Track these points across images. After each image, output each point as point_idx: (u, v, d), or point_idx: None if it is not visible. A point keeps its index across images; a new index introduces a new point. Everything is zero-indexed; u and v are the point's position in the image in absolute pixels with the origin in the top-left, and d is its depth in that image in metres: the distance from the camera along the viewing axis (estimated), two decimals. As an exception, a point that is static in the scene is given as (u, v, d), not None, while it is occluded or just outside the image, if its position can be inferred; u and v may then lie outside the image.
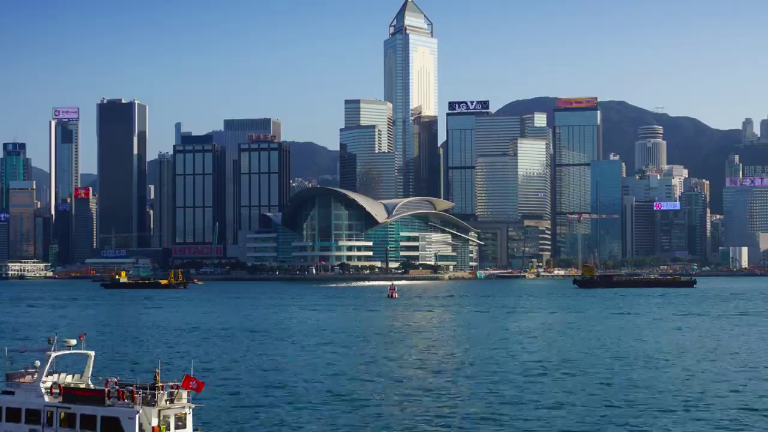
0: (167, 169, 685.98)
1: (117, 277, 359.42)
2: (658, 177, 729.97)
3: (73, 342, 42.34)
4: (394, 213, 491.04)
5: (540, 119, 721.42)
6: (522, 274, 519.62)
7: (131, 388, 39.25)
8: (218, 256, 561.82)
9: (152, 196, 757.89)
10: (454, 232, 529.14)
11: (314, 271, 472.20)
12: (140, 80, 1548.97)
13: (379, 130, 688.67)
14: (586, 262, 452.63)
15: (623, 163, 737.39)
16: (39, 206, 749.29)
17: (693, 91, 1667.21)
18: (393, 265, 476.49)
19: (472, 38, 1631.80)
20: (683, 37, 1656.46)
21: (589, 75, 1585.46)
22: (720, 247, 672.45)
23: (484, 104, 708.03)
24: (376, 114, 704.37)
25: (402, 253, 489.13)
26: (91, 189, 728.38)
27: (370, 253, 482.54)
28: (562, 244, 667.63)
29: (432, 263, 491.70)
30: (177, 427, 38.44)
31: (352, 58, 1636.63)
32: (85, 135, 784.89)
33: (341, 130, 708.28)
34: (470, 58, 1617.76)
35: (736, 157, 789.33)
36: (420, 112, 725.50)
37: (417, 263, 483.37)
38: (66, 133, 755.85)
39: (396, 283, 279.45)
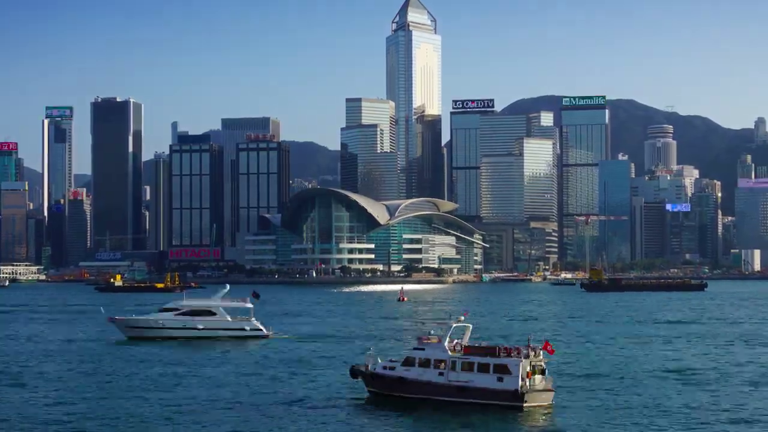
0: (163, 169, 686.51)
1: (112, 280, 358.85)
2: (668, 177, 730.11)
3: (463, 318, 64.65)
4: (396, 214, 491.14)
5: (546, 118, 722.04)
6: (528, 277, 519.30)
7: (516, 346, 61.93)
8: (216, 259, 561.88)
9: (148, 197, 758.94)
10: (459, 234, 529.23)
11: (314, 274, 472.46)
12: (135, 78, 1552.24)
13: (381, 130, 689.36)
14: (594, 265, 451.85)
15: (632, 164, 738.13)
16: (31, 207, 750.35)
17: (704, 89, 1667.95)
18: (395, 268, 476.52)
19: (477, 35, 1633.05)
20: (694, 35, 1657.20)
21: (597, 73, 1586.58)
22: (731, 250, 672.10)
23: (489, 103, 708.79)
24: (378, 113, 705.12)
25: (405, 256, 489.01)
26: (84, 190, 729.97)
27: (372, 256, 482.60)
28: (569, 247, 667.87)
29: (435, 266, 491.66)
30: (539, 373, 59.90)
31: (354, 55, 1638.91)
32: (79, 135, 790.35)
33: (342, 129, 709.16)
34: (475, 56, 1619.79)
35: (748, 157, 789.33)
36: (423, 111, 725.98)
37: (420, 266, 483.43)
38: (59, 133, 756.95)
39: (399, 287, 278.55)
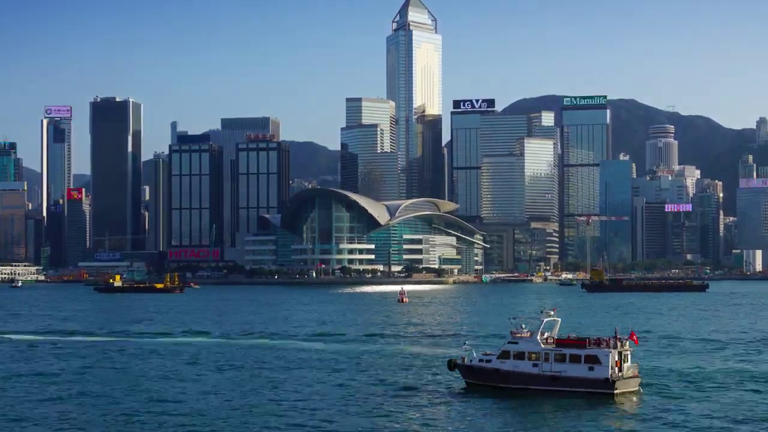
0: (163, 169, 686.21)
1: (111, 281, 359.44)
2: (670, 178, 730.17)
3: (552, 313, 70.96)
4: (396, 215, 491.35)
5: (547, 118, 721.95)
6: (529, 277, 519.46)
7: (605, 338, 68.51)
8: (215, 260, 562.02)
9: (147, 198, 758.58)
10: (459, 235, 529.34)
11: (314, 275, 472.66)
12: (135, 78, 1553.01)
13: (381, 130, 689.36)
14: (595, 265, 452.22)
15: (633, 164, 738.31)
16: (30, 207, 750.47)
17: (705, 89, 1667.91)
18: (396, 268, 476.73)
19: (478, 34, 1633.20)
20: (695, 34, 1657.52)
21: (599, 72, 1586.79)
22: (733, 250, 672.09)
23: (490, 102, 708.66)
24: (378, 113, 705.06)
25: (405, 256, 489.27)
26: (84, 190, 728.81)
27: (372, 257, 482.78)
28: (570, 247, 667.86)
29: (436, 267, 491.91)
30: (626, 361, 66.56)
31: (354, 54, 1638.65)
32: (78, 134, 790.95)
33: (342, 129, 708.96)
34: (475, 55, 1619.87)
35: (750, 157, 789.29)
36: (423, 111, 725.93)
37: (420, 267, 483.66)
38: (58, 133, 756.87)
39: (400, 287, 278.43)
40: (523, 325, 72.03)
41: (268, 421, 59.16)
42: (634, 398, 65.17)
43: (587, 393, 64.40)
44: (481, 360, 70.39)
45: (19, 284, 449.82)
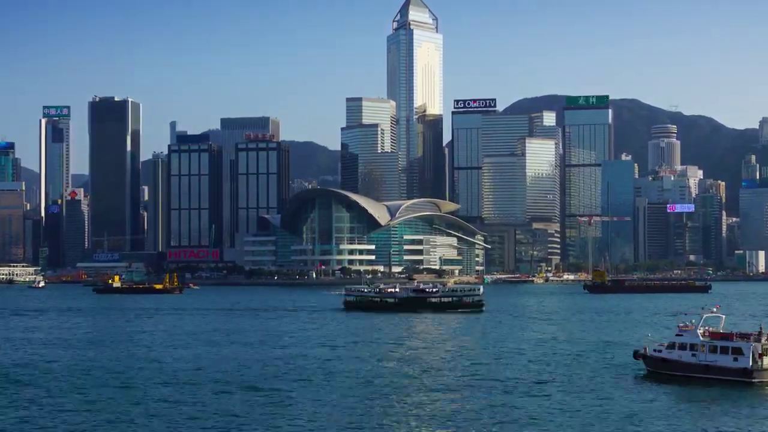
0: (162, 169, 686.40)
1: (110, 281, 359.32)
2: (672, 178, 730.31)
3: (715, 310, 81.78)
4: (397, 215, 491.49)
5: (549, 118, 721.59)
6: (530, 278, 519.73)
7: (750, 332, 77.75)
8: (214, 260, 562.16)
9: (146, 198, 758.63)
10: (460, 235, 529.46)
11: (314, 276, 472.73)
12: (133, 77, 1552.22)
13: (381, 129, 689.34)
14: (597, 266, 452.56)
15: (635, 164, 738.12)
16: (28, 208, 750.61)
17: (708, 88, 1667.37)
18: (396, 269, 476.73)
19: (479, 34, 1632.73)
20: (697, 34, 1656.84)
21: (600, 72, 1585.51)
22: (736, 251, 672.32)
23: (491, 102, 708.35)
24: (379, 112, 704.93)
25: (405, 257, 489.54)
26: (82, 190, 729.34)
27: (373, 257, 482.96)
28: (571, 248, 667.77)
29: (437, 267, 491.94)
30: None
31: (354, 54, 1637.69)
32: (77, 134, 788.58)
33: (342, 129, 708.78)
34: (476, 55, 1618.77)
35: (753, 157, 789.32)
36: (424, 111, 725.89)
37: (421, 267, 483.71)
38: (56, 132, 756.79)
39: None
40: (690, 321, 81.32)
41: None
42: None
43: (730, 381, 73.30)
44: (655, 350, 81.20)
45: (41, 284, 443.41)
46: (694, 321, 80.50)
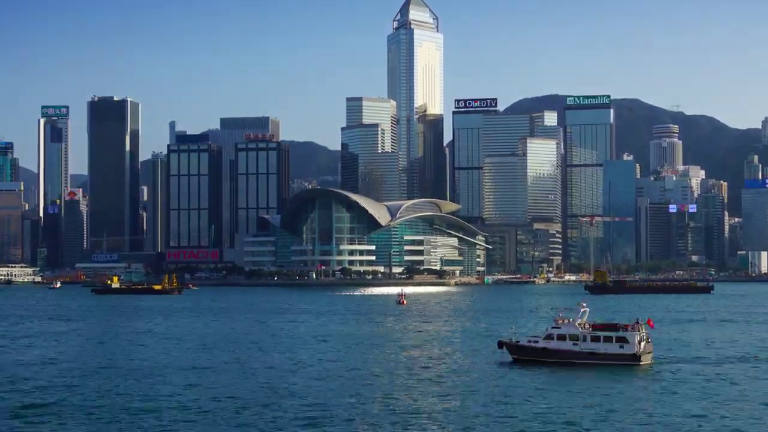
0: (161, 169, 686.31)
1: (108, 282, 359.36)
2: (674, 178, 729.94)
3: (585, 305, 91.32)
4: (397, 215, 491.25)
5: (550, 118, 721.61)
6: (531, 279, 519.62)
7: (630, 323, 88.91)
8: (214, 261, 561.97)
9: (145, 198, 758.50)
10: (461, 236, 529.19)
11: (314, 276, 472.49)
12: (133, 77, 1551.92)
13: (382, 129, 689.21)
14: (599, 266, 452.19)
15: (637, 164, 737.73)
16: (27, 208, 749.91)
17: (710, 88, 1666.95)
18: (396, 270, 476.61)
19: (480, 33, 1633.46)
20: (699, 33, 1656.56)
21: (602, 72, 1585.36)
22: (738, 252, 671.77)
23: (492, 102, 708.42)
24: (379, 112, 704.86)
25: (406, 258, 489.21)
26: (81, 190, 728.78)
27: (373, 258, 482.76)
28: (573, 248, 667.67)
29: (437, 268, 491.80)
30: (647, 342, 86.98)
31: (354, 54, 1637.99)
32: (75, 134, 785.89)
33: (342, 129, 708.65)
34: (477, 54, 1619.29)
35: (755, 157, 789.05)
36: (425, 111, 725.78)
37: (422, 268, 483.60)
38: (55, 132, 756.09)
39: (404, 289, 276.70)
40: (562, 314, 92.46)
41: None
42: (652, 367, 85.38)
43: (618, 365, 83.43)
44: (529, 341, 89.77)
45: (58, 285, 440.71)
46: (563, 315, 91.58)
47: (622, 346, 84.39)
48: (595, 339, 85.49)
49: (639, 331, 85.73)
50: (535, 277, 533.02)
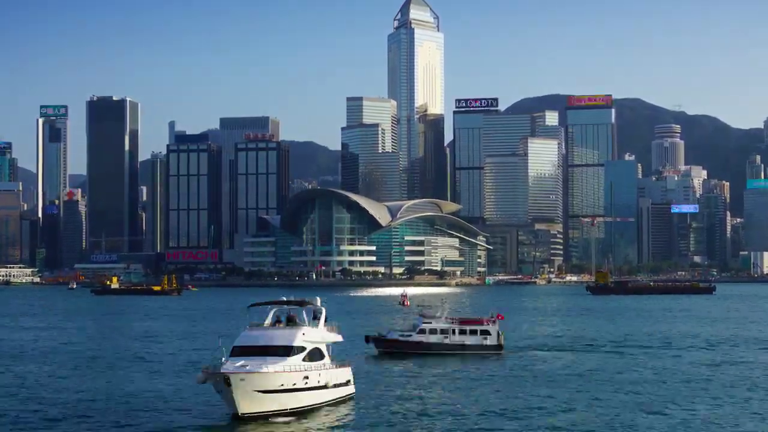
0: (160, 169, 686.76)
1: (108, 282, 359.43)
2: (676, 178, 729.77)
3: (447, 303, 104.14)
4: (398, 216, 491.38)
5: (551, 118, 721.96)
6: (533, 280, 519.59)
7: (488, 318, 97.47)
8: (213, 261, 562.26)
9: (144, 198, 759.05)
10: (462, 236, 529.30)
11: (314, 277, 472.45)
12: (132, 77, 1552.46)
13: (382, 129, 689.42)
14: (600, 267, 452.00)
15: (639, 164, 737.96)
16: (25, 208, 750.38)
17: (712, 88, 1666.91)
18: (397, 270, 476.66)
19: (480, 33, 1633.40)
20: (701, 32, 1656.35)
21: (603, 71, 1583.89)
22: (740, 252, 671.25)
23: (493, 102, 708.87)
24: (380, 112, 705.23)
25: (406, 258, 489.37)
26: (80, 190, 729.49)
27: (373, 258, 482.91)
28: (574, 249, 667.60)
29: (438, 269, 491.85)
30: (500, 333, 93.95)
31: (354, 53, 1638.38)
32: (74, 134, 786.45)
33: (343, 128, 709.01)
34: (478, 54, 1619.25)
35: (758, 157, 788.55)
36: (425, 110, 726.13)
37: (422, 269, 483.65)
38: (54, 132, 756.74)
39: (402, 290, 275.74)
40: (429, 311, 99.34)
41: None
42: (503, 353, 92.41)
43: (483, 355, 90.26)
44: (401, 334, 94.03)
45: (74, 285, 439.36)
46: (430, 311, 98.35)
47: (485, 338, 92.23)
48: (463, 332, 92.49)
49: (496, 324, 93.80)
50: (537, 277, 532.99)
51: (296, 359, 56.21)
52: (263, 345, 56.88)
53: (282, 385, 54.34)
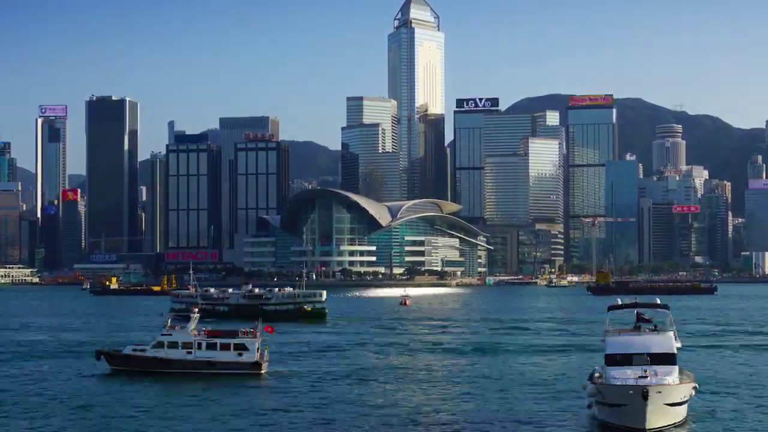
0: (160, 169, 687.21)
1: (107, 283, 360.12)
2: (677, 178, 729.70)
3: (197, 311, 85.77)
4: (398, 216, 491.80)
5: (552, 117, 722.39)
6: (533, 280, 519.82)
7: (249, 330, 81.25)
8: (213, 262, 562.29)
9: (144, 198, 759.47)
10: (462, 236, 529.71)
11: (314, 277, 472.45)
12: (131, 76, 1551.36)
13: (382, 129, 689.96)
14: (601, 267, 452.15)
15: (640, 164, 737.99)
16: (24, 208, 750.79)
17: (713, 87, 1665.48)
18: (397, 271, 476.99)
19: (481, 32, 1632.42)
20: (703, 32, 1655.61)
21: (604, 71, 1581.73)
22: (742, 252, 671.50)
23: (494, 102, 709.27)
24: (380, 112, 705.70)
25: (407, 258, 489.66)
26: (79, 190, 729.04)
27: (373, 258, 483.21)
28: (575, 249, 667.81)
29: (438, 269, 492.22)
30: (264, 349, 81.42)
31: (355, 53, 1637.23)
32: (73, 134, 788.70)
33: (343, 128, 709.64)
34: (479, 53, 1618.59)
35: (759, 157, 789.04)
36: (426, 110, 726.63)
37: (422, 269, 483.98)
38: (53, 132, 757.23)
39: (407, 291, 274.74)
40: (170, 321, 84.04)
41: None
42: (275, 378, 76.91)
43: (238, 374, 76.51)
44: (134, 350, 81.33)
45: (87, 286, 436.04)
46: (171, 321, 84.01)
47: (240, 354, 77.86)
48: (211, 346, 78.34)
49: (258, 338, 79.28)
50: (537, 278, 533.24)
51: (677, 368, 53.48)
52: (653, 353, 53.48)
53: (684, 397, 51.77)
